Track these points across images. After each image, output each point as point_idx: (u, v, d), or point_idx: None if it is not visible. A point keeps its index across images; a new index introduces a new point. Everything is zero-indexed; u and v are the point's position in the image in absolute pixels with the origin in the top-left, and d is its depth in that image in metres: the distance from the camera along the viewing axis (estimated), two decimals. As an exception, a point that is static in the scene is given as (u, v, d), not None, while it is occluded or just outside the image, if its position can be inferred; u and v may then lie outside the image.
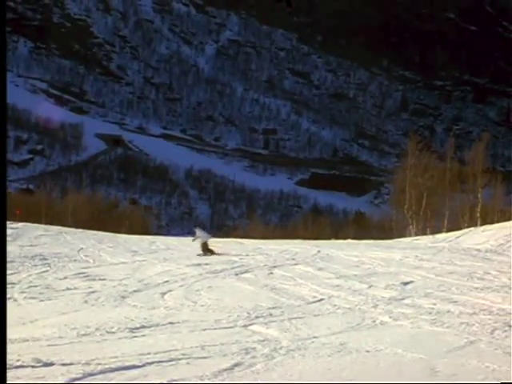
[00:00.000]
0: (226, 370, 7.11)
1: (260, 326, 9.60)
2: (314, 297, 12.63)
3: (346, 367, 7.40)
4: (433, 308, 11.34)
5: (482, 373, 7.25)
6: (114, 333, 9.01)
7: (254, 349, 8.10)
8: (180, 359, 7.54)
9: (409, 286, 14.15)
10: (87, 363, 7.21)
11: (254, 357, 7.71)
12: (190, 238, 25.61)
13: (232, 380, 6.84)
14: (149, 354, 7.71)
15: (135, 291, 13.19)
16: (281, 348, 8.18)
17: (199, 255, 22.06)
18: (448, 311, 11.02)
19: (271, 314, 10.58)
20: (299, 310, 11.15)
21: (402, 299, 12.35)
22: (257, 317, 10.36)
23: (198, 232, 23.95)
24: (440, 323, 10.00)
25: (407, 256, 21.11)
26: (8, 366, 6.79)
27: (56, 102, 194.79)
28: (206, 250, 22.54)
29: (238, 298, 12.36)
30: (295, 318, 10.27)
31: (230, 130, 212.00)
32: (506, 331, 9.41)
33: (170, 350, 7.91)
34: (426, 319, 10.30)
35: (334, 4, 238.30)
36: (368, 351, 8.12)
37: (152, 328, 9.37)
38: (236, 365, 7.32)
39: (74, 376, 6.75)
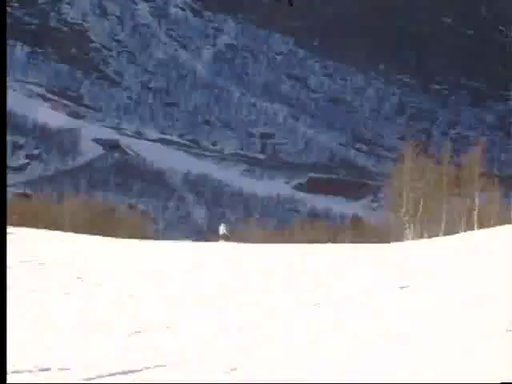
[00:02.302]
0: (225, 373, 7.12)
1: (259, 330, 9.60)
2: (312, 301, 12.64)
3: (350, 367, 7.40)
4: (432, 311, 11.34)
5: (481, 374, 7.26)
6: (112, 337, 9.00)
7: (253, 351, 8.11)
8: (179, 362, 7.54)
9: (406, 290, 14.15)
10: (85, 367, 7.20)
11: (253, 359, 7.71)
12: (190, 242, 26.87)
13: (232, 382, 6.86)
14: (148, 357, 7.71)
15: (134, 295, 13.19)
16: (280, 351, 8.18)
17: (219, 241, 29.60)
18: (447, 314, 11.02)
19: (269, 318, 10.58)
20: (299, 314, 11.15)
21: (400, 302, 12.36)
22: (256, 320, 10.36)
23: (222, 227, 32.58)
24: (439, 326, 10.01)
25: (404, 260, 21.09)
26: (7, 370, 6.78)
27: (53, 107, 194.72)
28: (222, 238, 31.18)
29: (236, 302, 12.37)
30: (294, 322, 10.27)
31: (227, 134, 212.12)
32: (505, 334, 9.43)
33: (170, 354, 7.91)
34: (425, 322, 10.31)
35: (331, 8, 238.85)
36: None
37: (151, 332, 9.36)
38: (236, 368, 7.32)
39: (72, 380, 6.75)
